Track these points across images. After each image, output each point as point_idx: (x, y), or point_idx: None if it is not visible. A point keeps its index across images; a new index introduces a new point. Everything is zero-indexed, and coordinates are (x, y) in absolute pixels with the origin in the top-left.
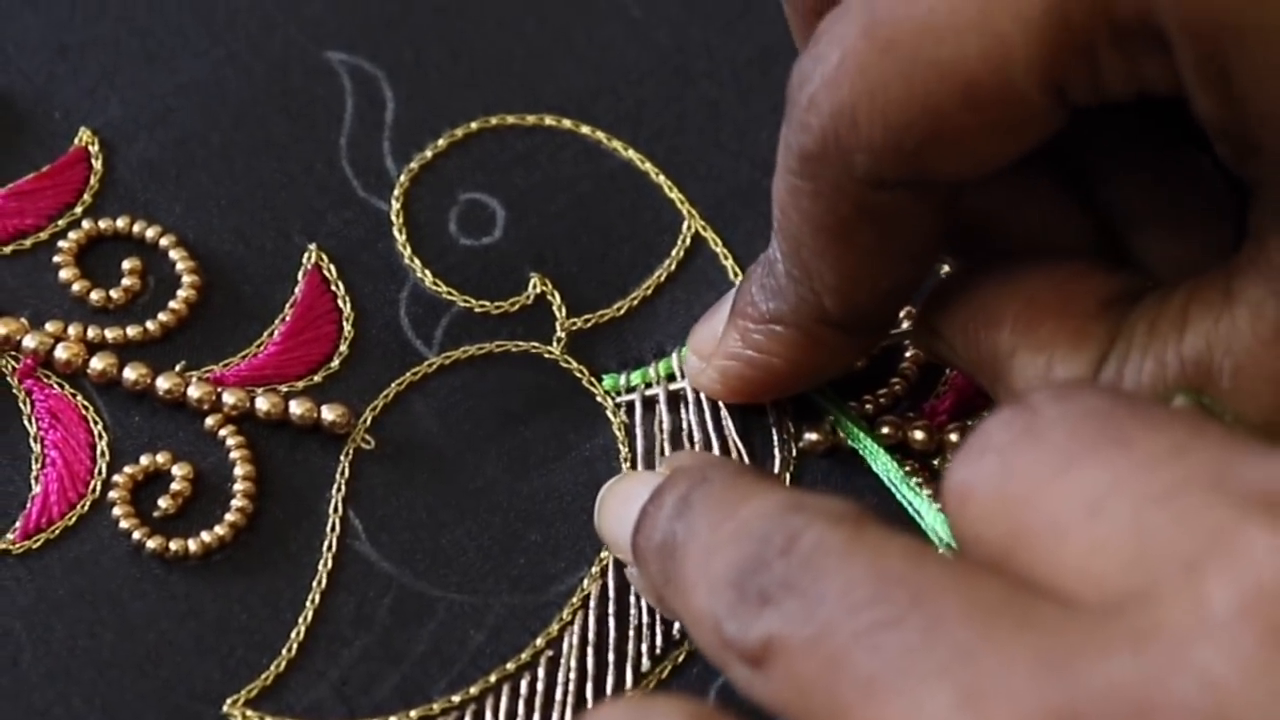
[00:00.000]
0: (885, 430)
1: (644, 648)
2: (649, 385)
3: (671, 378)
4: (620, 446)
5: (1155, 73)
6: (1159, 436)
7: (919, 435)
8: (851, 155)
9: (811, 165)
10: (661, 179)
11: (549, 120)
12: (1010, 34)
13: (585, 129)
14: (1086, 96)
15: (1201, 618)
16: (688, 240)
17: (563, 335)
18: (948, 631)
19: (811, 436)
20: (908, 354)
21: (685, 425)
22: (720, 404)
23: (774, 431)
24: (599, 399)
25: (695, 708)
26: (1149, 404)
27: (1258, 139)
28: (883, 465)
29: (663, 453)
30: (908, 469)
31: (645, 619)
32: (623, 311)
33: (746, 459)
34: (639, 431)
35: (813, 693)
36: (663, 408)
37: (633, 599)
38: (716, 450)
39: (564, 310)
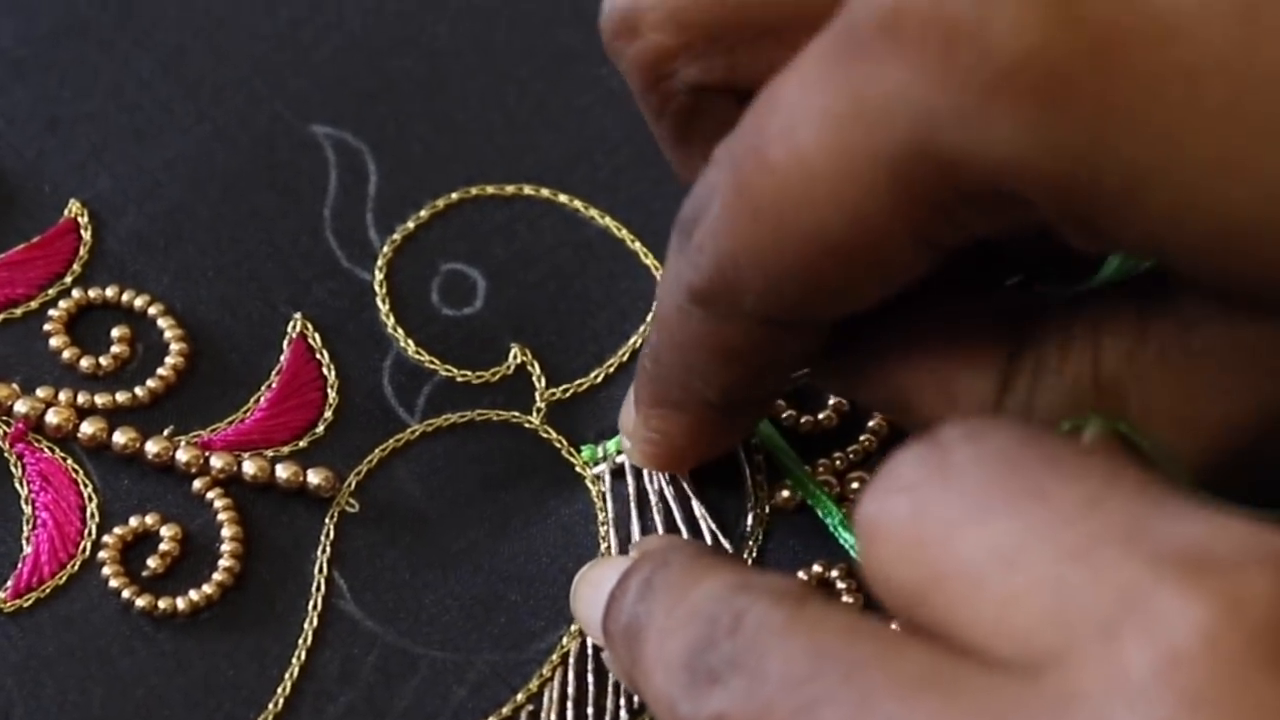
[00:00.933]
0: (855, 486)
1: (621, 703)
2: (619, 453)
3: None
4: (599, 513)
5: (1024, 218)
6: (1073, 487)
7: None
8: (740, 296)
9: (700, 298)
10: (637, 245)
11: (528, 189)
12: (864, 204)
13: (563, 197)
14: (958, 241)
15: (1119, 683)
16: None
17: (542, 405)
18: (877, 705)
19: (784, 494)
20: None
21: (651, 491)
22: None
23: (749, 490)
24: (578, 468)
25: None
26: (1061, 444)
27: (1153, 251)
28: (831, 518)
29: (630, 517)
30: None
31: None
32: (600, 379)
33: (709, 520)
34: (610, 497)
35: None
36: (629, 475)
37: None
38: (679, 513)
39: (544, 380)
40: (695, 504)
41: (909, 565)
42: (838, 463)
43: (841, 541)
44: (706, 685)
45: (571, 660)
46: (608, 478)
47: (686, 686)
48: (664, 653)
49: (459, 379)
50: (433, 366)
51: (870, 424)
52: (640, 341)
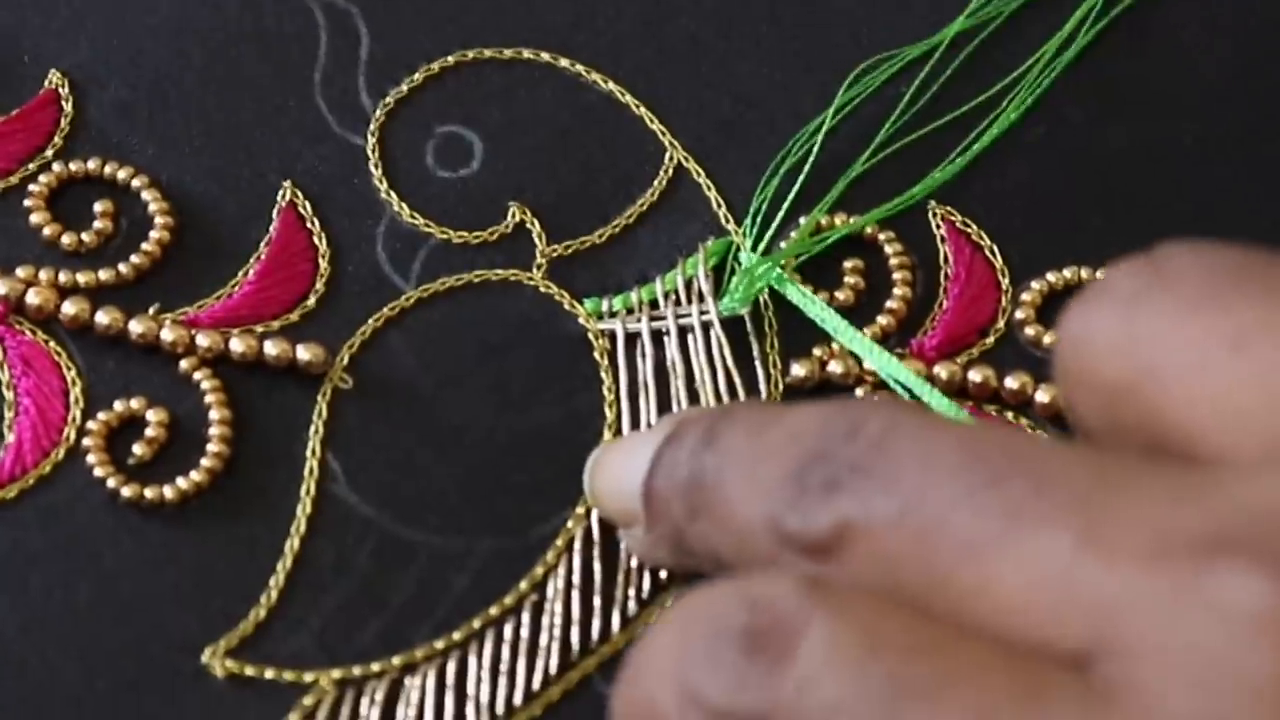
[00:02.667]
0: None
1: (630, 592)
2: (630, 311)
3: (655, 304)
4: (603, 375)
5: None
6: None
7: None
8: None
9: None
10: (643, 111)
11: (527, 53)
12: None
13: (564, 62)
14: None
15: None
16: (670, 171)
17: (543, 262)
18: (1058, 482)
19: (799, 372)
20: (895, 291)
21: (669, 358)
22: (711, 333)
23: (758, 366)
24: (581, 321)
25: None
26: None
27: None
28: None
29: (646, 385)
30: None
31: (633, 562)
32: (604, 239)
33: (740, 389)
34: (622, 363)
35: (902, 568)
36: (646, 340)
37: (617, 542)
38: (708, 381)
39: (544, 238)
40: (726, 365)
41: (1119, 359)
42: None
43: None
44: (822, 494)
45: (577, 546)
46: (620, 337)
47: (794, 499)
48: (756, 479)
49: (455, 241)
50: (428, 230)
51: (889, 304)
52: (647, 205)
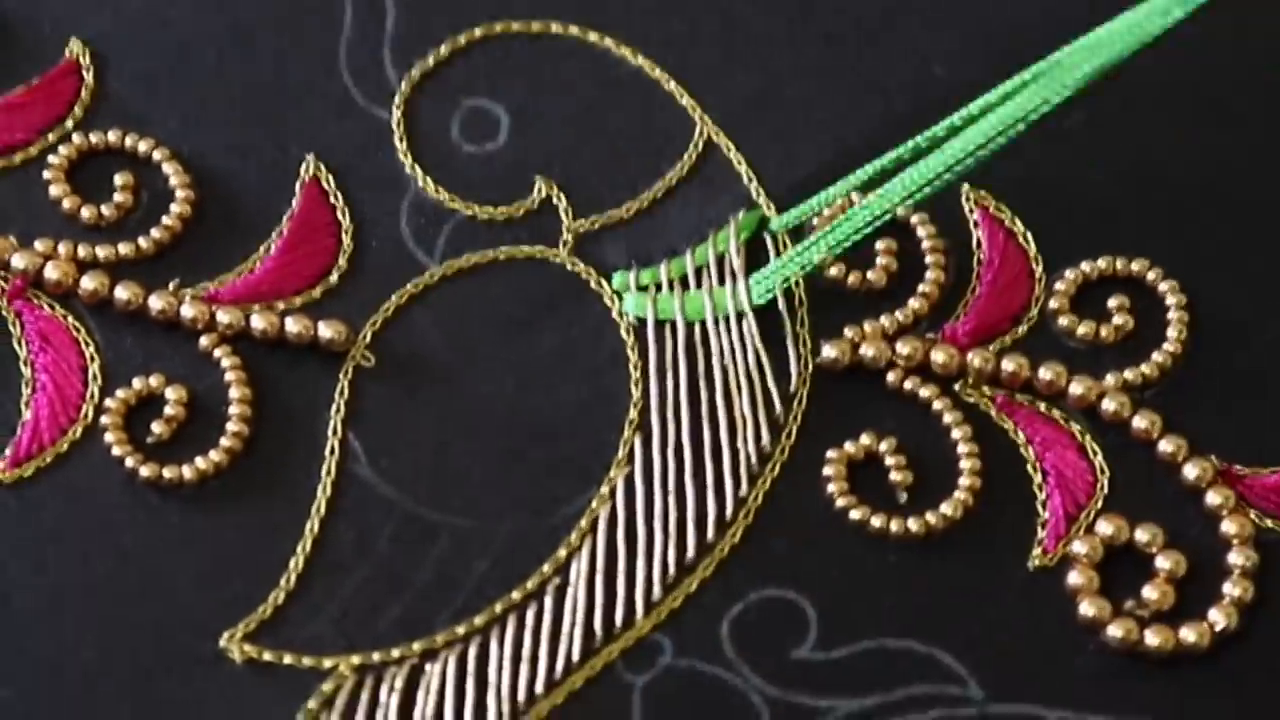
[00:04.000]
0: (905, 350)
1: (655, 575)
2: (659, 286)
3: (684, 279)
4: (629, 353)
5: None
6: None
7: (939, 357)
8: None
9: None
10: (672, 86)
11: (555, 27)
12: None
13: (593, 36)
14: None
15: None
16: (700, 146)
17: (569, 238)
18: None
19: (830, 353)
20: (929, 274)
21: (701, 334)
22: (743, 313)
23: (789, 346)
24: (607, 300)
25: None
26: None
27: None
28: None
29: (675, 363)
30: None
31: (658, 544)
32: (632, 213)
33: (768, 367)
34: (651, 342)
35: None
36: (679, 324)
37: (642, 524)
38: (738, 360)
39: (570, 213)
40: (755, 346)
41: None
42: (886, 326)
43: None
44: None
45: (601, 527)
46: (651, 314)
47: None
48: None
49: (481, 217)
50: (453, 205)
51: (922, 288)
52: (676, 179)
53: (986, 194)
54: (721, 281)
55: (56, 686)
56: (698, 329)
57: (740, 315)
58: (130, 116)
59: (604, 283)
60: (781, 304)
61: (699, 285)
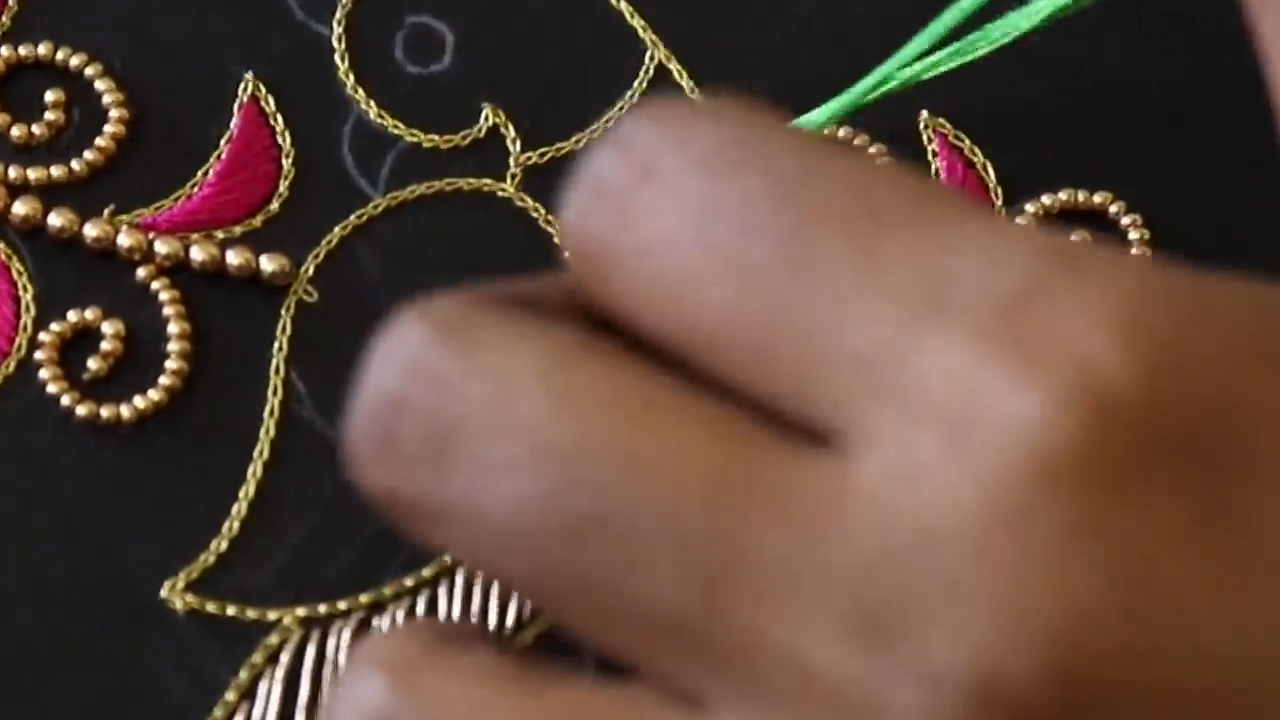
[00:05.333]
0: None
1: None
2: None
3: None
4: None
5: None
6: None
7: None
8: None
9: None
10: (623, 5)
11: None
12: None
13: None
14: None
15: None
16: (650, 71)
17: (517, 171)
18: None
19: None
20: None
21: None
22: None
23: None
24: (556, 241)
25: None
26: None
27: None
28: None
29: None
30: None
31: None
32: (582, 144)
33: None
34: None
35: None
36: None
37: None
38: None
39: (519, 144)
40: None
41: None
42: None
43: None
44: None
45: None
46: None
47: None
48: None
49: (426, 144)
50: (397, 131)
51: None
52: (627, 108)
53: (945, 122)
54: None
55: None
56: None
57: None
58: (61, 27)
59: (551, 223)
60: None
61: None
